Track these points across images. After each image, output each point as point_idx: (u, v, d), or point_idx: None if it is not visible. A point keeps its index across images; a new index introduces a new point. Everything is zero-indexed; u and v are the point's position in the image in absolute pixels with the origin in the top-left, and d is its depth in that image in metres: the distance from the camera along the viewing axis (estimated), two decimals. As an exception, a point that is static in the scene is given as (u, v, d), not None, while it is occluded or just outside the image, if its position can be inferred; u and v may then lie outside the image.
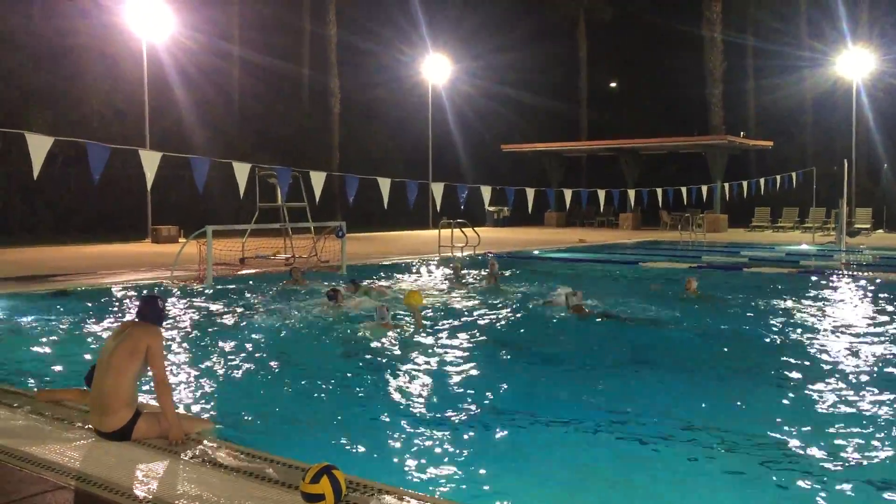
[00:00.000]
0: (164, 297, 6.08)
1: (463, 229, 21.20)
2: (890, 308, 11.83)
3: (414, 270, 17.46)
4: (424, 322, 10.08)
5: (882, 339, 9.46)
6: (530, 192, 22.39)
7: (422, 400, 6.74)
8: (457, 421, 6.07)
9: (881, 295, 13.39)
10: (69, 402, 5.88)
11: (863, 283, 15.26)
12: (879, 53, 36.20)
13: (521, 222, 38.08)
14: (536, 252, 22.71)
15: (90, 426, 5.20)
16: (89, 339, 8.93)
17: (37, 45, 29.68)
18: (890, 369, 7.88)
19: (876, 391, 6.97)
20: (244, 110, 38.44)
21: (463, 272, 15.48)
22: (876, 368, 7.88)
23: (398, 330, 9.63)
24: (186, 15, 31.05)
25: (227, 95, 38.01)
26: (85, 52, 30.61)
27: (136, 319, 5.41)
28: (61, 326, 9.82)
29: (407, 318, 10.33)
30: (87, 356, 7.76)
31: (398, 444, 5.56)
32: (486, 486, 4.78)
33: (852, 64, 35.08)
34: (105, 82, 30.93)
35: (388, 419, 6.15)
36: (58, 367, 7.72)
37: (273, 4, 40.05)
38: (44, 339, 9.01)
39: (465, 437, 5.69)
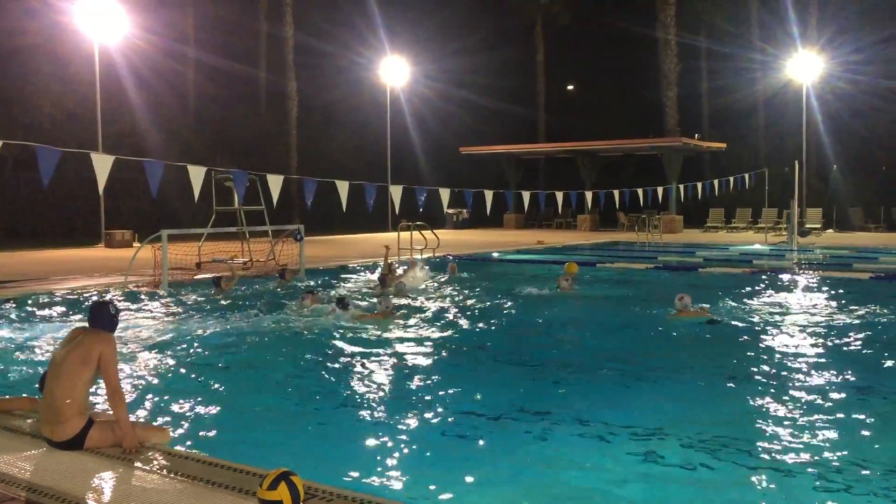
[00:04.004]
0: (117, 302, 5.98)
1: (422, 231, 21.18)
2: (839, 305, 12.11)
3: (372, 273, 17.39)
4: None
5: (830, 334, 9.68)
6: (489, 195, 22.45)
7: (381, 404, 6.72)
8: (416, 425, 6.06)
9: (831, 293, 13.71)
10: (19, 411, 5.75)
11: (814, 281, 15.61)
12: (827, 57, 37.06)
13: (480, 224, 38.17)
14: (496, 254, 22.78)
15: (41, 435, 5.09)
16: (40, 347, 8.74)
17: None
18: (838, 364, 8.06)
19: (825, 386, 7.13)
20: (200, 113, 37.95)
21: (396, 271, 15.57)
22: (824, 363, 8.06)
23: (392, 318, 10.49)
24: (140, 15, 30.52)
25: (182, 98, 37.51)
26: (35, 52, 29.95)
27: (88, 326, 5.31)
28: (11, 334, 9.58)
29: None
30: (39, 364, 7.60)
31: (357, 450, 5.53)
32: (445, 490, 4.78)
33: (802, 67, 35.86)
34: (56, 84, 30.32)
35: (347, 424, 6.12)
36: (7, 376, 7.53)
37: (229, 6, 39.63)
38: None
39: (425, 441, 5.69)
